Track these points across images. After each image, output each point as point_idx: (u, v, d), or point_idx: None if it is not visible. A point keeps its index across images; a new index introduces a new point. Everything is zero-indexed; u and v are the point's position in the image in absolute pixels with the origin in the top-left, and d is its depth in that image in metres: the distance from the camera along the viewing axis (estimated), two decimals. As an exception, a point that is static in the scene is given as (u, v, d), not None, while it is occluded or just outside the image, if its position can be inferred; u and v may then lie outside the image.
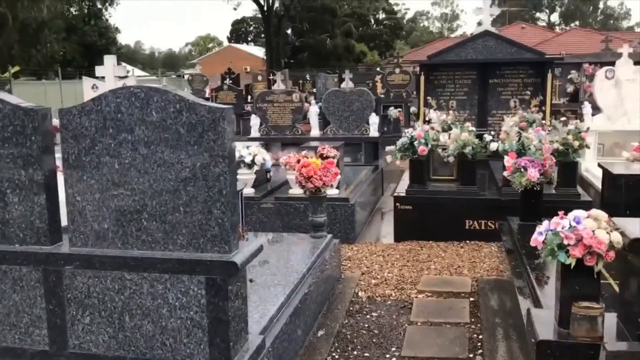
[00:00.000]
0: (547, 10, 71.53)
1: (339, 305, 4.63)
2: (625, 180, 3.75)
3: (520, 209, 4.64)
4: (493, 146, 6.08)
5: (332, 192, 6.59)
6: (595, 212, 2.52)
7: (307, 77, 26.74)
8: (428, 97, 7.99)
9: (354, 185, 7.16)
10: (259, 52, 57.70)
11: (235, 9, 68.50)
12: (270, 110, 8.85)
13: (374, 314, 4.51)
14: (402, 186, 6.74)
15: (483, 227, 6.18)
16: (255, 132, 8.92)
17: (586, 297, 2.52)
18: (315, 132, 8.78)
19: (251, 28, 63.67)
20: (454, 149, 6.09)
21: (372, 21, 62.93)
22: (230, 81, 21.42)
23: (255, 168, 6.67)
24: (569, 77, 14.14)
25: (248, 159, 6.66)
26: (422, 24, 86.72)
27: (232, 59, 55.85)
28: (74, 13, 35.82)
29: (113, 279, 2.93)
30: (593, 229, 2.45)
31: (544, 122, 7.05)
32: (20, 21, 29.51)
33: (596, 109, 8.31)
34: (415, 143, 6.18)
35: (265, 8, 45.62)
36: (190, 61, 73.51)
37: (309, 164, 4.94)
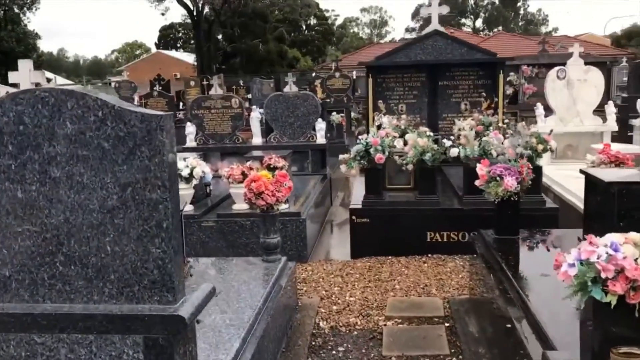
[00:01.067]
0: (472, 17, 73.65)
1: (299, 340, 4.03)
2: (619, 189, 3.37)
3: (495, 222, 4.20)
4: (453, 152, 5.66)
5: (281, 206, 5.99)
6: (633, 235, 2.05)
7: (241, 82, 26.03)
8: (379, 101, 7.53)
9: (304, 197, 6.59)
10: (189, 58, 56.35)
11: (163, 14, 66.41)
12: (207, 117, 8.15)
13: (340, 348, 3.94)
14: (357, 197, 6.22)
15: (445, 240, 5.74)
16: (190, 142, 8.19)
17: (625, 340, 2.04)
18: (257, 140, 8.16)
19: (180, 34, 62.30)
20: (413, 156, 5.62)
21: (304, 27, 62.77)
22: (160, 87, 20.47)
23: (194, 182, 5.97)
24: (507, 79, 14.11)
25: (185, 172, 5.95)
26: (352, 30, 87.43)
27: (160, 66, 54.11)
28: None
29: (18, 344, 2.22)
30: (635, 257, 1.98)
31: (500, 125, 6.71)
32: None
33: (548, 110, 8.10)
34: (372, 150, 5.67)
35: (194, 13, 44.44)
36: (117, 68, 71.07)
37: (259, 178, 4.32)
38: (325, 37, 62.78)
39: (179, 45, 63.71)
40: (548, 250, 4.15)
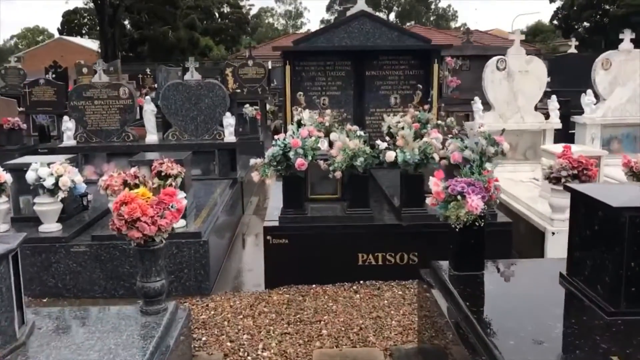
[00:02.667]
0: (385, 10, 74.07)
1: None
2: (633, 216, 2.44)
3: (453, 253, 3.18)
4: (389, 156, 4.62)
5: (176, 223, 4.73)
6: None
7: (148, 71, 24.12)
8: (299, 93, 6.40)
9: (208, 209, 5.35)
10: (94, 45, 52.90)
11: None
12: (90, 109, 6.69)
13: None
14: (273, 210, 5.07)
15: (381, 262, 4.70)
16: (69, 140, 6.71)
17: None
18: (152, 137, 6.80)
19: (85, 20, 58.59)
20: (342, 161, 4.54)
21: (217, 15, 60.59)
22: (54, 75, 18.34)
23: (61, 195, 4.60)
24: (430, 71, 13.39)
25: (49, 182, 4.57)
26: (267, 21, 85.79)
27: (63, 53, 50.39)
28: None
29: None
30: None
31: (439, 122, 5.77)
32: None
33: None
34: (291, 154, 4.53)
35: (97, -4, 41.42)
36: (16, 54, 65.96)
37: (133, 199, 3.07)
38: (240, 26, 60.92)
39: (84, 31, 60.04)
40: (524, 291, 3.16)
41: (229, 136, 6.71)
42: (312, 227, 4.67)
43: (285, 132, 5.48)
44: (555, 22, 47.24)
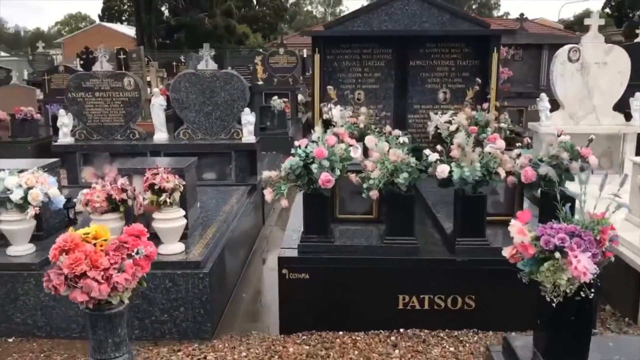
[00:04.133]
0: (428, -2, 72.17)
1: None
2: None
3: (542, 334, 2.16)
4: (441, 171, 3.59)
5: (171, 248, 3.82)
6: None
7: (182, 59, 23.41)
8: (329, 87, 5.41)
9: (216, 226, 4.40)
10: (133, 32, 52.86)
11: (103, -14, 62.30)
12: (90, 102, 5.82)
13: None
14: (291, 234, 4.11)
15: (427, 306, 3.69)
16: (66, 137, 5.86)
17: None
18: (161, 135, 5.90)
19: (125, 6, 58.72)
20: (380, 177, 3.53)
21: (255, 2, 59.83)
22: (82, 62, 17.75)
23: (31, 212, 3.72)
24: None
25: (17, 196, 3.70)
26: (305, 8, 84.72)
27: (102, 39, 50.47)
28: None
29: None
30: None
31: (502, 125, 4.70)
32: None
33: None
34: (314, 167, 3.55)
35: (134, -18, 41.03)
36: (56, 41, 66.64)
37: (78, 245, 2.14)
38: (278, 13, 60.05)
39: (124, 18, 60.26)
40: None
41: (248, 136, 5.75)
42: (340, 259, 3.68)
43: (311, 132, 4.50)
44: (607, 10, 44.83)
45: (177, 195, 3.80)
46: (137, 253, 2.24)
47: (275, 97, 9.81)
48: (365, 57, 5.80)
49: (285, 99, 10.17)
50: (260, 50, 19.76)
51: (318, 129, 4.07)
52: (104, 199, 3.74)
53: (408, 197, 3.67)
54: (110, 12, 57.62)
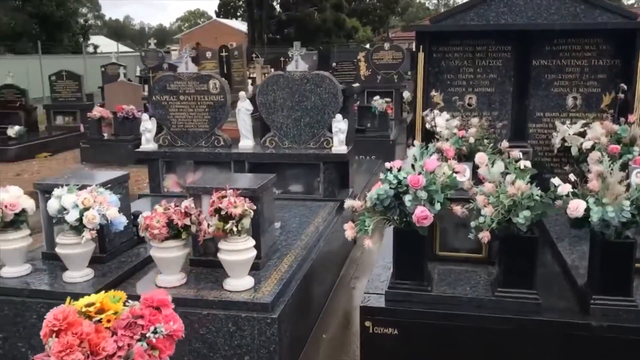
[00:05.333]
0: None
1: None
2: None
3: None
4: (576, 209, 2.74)
5: (237, 283, 3.27)
6: None
7: (290, 54, 23.23)
8: (433, 91, 4.65)
9: (293, 257, 3.81)
10: (245, 27, 54.20)
11: (218, -21, 64.24)
12: (175, 106, 5.45)
13: None
14: (379, 272, 3.42)
15: (550, 380, 2.87)
16: (148, 143, 5.52)
17: None
18: (246, 143, 5.42)
19: (240, 2, 60.40)
20: (494, 215, 2.76)
21: (366, -6, 59.17)
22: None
23: (86, 236, 3.31)
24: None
25: (72, 217, 3.31)
26: (418, 1, 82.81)
27: (216, 35, 52.15)
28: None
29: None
30: None
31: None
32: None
33: None
34: (407, 199, 2.83)
35: (247, -22, 41.78)
36: (175, 37, 69.98)
37: (74, 324, 1.60)
38: (388, 6, 59.05)
39: (238, 14, 62.09)
40: None
41: (339, 145, 5.11)
42: (438, 313, 2.94)
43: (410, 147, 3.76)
44: None
45: (246, 222, 3.24)
46: (154, 332, 1.67)
47: (377, 97, 9.10)
48: (478, 56, 4.95)
49: (388, 99, 9.43)
50: (366, 45, 19.07)
51: (415, 147, 3.34)
52: (164, 224, 3.26)
53: (529, 240, 2.86)
54: (226, 9, 59.45)
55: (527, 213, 2.74)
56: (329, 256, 4.44)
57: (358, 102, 10.33)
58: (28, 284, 3.45)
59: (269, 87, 5.26)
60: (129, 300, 1.86)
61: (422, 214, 2.75)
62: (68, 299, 1.80)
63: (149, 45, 18.50)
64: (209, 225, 3.28)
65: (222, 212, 3.21)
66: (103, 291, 1.90)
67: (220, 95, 5.34)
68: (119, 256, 3.85)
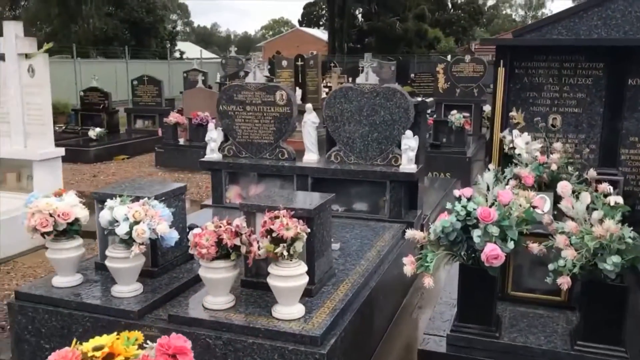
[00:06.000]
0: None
1: None
2: None
3: None
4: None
5: (286, 312, 3.05)
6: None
7: (361, 66, 22.98)
8: (512, 111, 4.29)
9: (350, 284, 3.55)
10: (325, 36, 54.62)
11: (299, -12, 65.16)
12: (241, 116, 5.34)
13: None
14: (441, 310, 3.10)
15: None
16: (213, 153, 5.43)
17: None
18: (311, 157, 5.22)
19: (323, 12, 61.11)
20: (577, 260, 2.40)
21: (450, 5, 58.17)
22: (269, 67, 18.14)
23: (135, 250, 3.20)
24: None
25: (122, 230, 3.21)
26: (504, 12, 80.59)
27: (298, 43, 52.91)
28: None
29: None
30: None
31: None
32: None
33: None
34: (476, 234, 2.52)
35: (330, -13, 42.04)
36: (258, 44, 71.62)
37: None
38: (473, 17, 57.81)
39: (321, 23, 62.83)
40: None
41: (408, 164, 4.81)
42: (507, 365, 2.60)
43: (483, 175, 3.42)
44: None
45: (299, 246, 3.02)
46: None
47: (454, 112, 8.69)
48: (566, 73, 4.52)
49: (467, 114, 9.00)
50: (447, 57, 18.58)
51: (489, 172, 3.01)
52: (213, 243, 3.09)
53: (618, 289, 2.48)
54: (309, 17, 60.21)
55: (616, 259, 2.36)
56: (390, 283, 4.15)
57: (435, 116, 9.96)
58: (77, 295, 3.37)
59: (337, 100, 5.04)
60: (148, 342, 1.68)
61: (492, 253, 2.43)
62: (74, 341, 1.63)
63: (230, 53, 18.75)
64: (259, 247, 3.09)
65: (274, 234, 3.01)
66: (115, 335, 1.74)
67: (286, 106, 5.17)
68: (171, 271, 3.73)
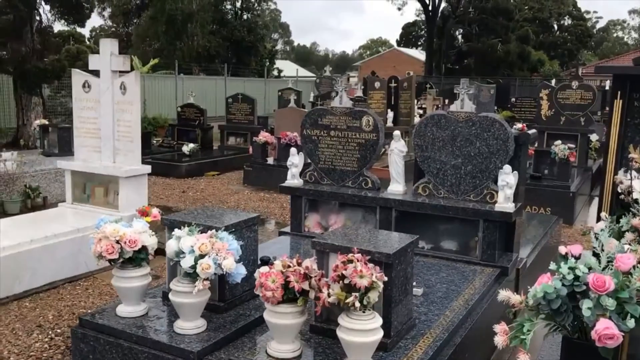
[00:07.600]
0: None
1: None
2: None
3: None
4: None
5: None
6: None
7: (456, 91, 22.32)
8: (629, 150, 3.74)
9: (432, 338, 3.15)
10: (423, 56, 54.00)
11: (399, 9, 65.03)
12: (325, 142, 5.08)
13: None
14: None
15: None
16: (294, 178, 5.21)
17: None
18: (397, 187, 4.86)
19: (422, 32, 60.63)
20: None
21: (555, 27, 55.80)
22: (363, 87, 17.95)
23: (198, 285, 2.99)
24: None
25: (187, 263, 3.01)
26: (615, 34, 76.29)
27: (395, 63, 52.67)
28: (226, 7, 34.67)
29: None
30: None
31: None
32: (167, 12, 28.62)
33: None
34: (585, 306, 2.07)
35: (430, 8, 41.44)
36: (355, 64, 72.11)
37: None
38: (580, 40, 55.06)
39: (419, 43, 62.36)
40: None
41: (504, 202, 4.33)
42: None
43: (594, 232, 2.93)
44: None
45: (374, 296, 2.68)
46: None
47: (559, 142, 8.02)
48: (697, 107, 3.91)
49: (572, 145, 8.28)
50: (551, 81, 17.50)
51: (601, 222, 2.53)
52: (279, 286, 2.82)
53: None
54: (407, 37, 59.79)
55: None
56: (478, 337, 3.70)
57: (536, 145, 9.28)
58: (139, 328, 3.21)
59: (428, 128, 4.66)
60: None
61: (607, 332, 1.98)
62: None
63: (324, 72, 18.73)
64: (329, 293, 2.77)
65: (346, 281, 2.69)
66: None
67: (372, 133, 4.86)
68: (238, 307, 3.50)
